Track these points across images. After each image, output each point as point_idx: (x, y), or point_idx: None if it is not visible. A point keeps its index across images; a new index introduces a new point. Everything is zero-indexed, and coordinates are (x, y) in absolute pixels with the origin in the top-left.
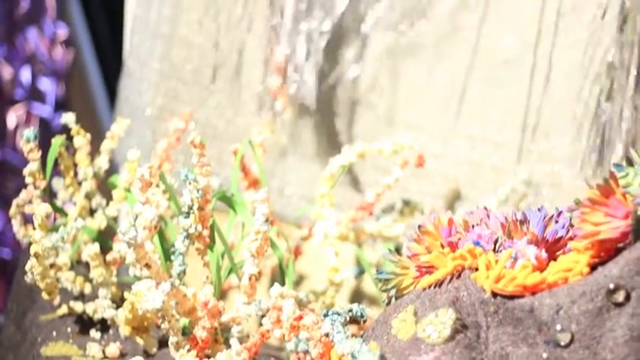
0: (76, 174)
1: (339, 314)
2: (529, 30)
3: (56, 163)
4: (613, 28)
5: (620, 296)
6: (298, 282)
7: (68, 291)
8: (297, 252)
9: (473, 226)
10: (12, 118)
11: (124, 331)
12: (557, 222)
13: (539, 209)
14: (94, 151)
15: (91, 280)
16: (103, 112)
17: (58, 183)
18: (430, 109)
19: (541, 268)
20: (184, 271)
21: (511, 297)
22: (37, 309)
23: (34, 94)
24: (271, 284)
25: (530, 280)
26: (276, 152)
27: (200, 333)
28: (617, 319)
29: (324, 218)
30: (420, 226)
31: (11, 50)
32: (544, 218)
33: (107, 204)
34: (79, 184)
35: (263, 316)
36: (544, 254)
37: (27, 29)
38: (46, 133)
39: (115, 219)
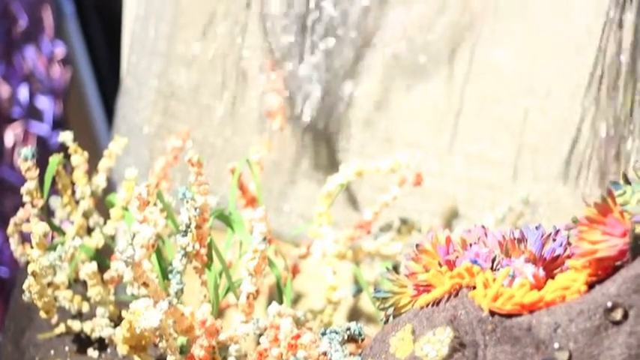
0: (73, 192)
1: (336, 333)
2: (525, 48)
3: (54, 182)
4: (610, 49)
5: (617, 314)
6: (296, 300)
7: (66, 310)
8: (294, 270)
9: (470, 245)
10: (9, 136)
11: (122, 349)
12: (554, 240)
13: (536, 227)
14: (92, 170)
15: (88, 299)
16: (100, 131)
17: (55, 201)
18: (427, 127)
19: (539, 286)
20: (182, 290)
21: (509, 315)
22: (35, 328)
23: (32, 113)
24: (269, 303)
25: (528, 298)
26: (273, 171)
27: (198, 352)
28: (614, 338)
29: (322, 237)
30: (417, 245)
31: (9, 68)
32: (542, 236)
33: (105, 222)
34: (77, 202)
35: (261, 334)
36: (542, 272)
37: (25, 47)
38: (43, 151)
39: (113, 237)
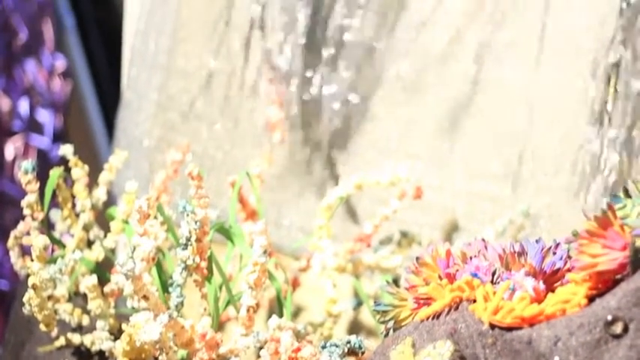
0: (74, 206)
1: (337, 346)
2: (527, 60)
3: (54, 195)
4: (610, 65)
5: (618, 328)
6: (296, 313)
7: (66, 323)
8: (295, 283)
9: (471, 258)
10: (10, 149)
11: None
12: (554, 254)
13: (536, 241)
14: (92, 183)
15: (88, 312)
16: (101, 144)
17: (55, 214)
18: (427, 140)
19: (539, 299)
20: (182, 303)
21: (509, 329)
22: (35, 341)
23: (32, 126)
24: (269, 316)
25: (528, 311)
26: (273, 184)
27: None
28: (615, 351)
29: (322, 250)
30: (417, 258)
31: (9, 82)
32: (542, 250)
33: (105, 236)
34: (77, 215)
35: (261, 347)
36: (542, 286)
37: (25, 61)
38: (44, 164)
39: (113, 251)
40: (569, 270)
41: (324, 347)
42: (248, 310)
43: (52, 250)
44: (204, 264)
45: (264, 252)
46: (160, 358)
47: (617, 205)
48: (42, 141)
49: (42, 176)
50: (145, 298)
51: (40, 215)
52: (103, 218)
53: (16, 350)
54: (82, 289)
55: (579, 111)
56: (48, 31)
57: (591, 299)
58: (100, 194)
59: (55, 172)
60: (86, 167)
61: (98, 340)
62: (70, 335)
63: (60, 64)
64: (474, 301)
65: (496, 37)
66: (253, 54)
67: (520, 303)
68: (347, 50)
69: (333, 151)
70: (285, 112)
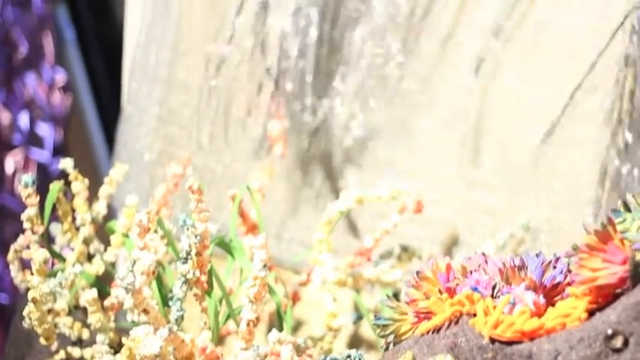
0: (74, 219)
1: None
2: (531, 77)
3: (54, 209)
4: (618, 85)
5: (618, 342)
6: (296, 327)
7: (66, 336)
8: (295, 297)
9: (471, 272)
10: (10, 163)
11: None
12: (555, 268)
13: (537, 255)
14: (92, 197)
15: (88, 326)
16: (101, 158)
17: (56, 228)
18: (428, 154)
19: (539, 313)
20: (182, 317)
21: (509, 343)
22: (35, 354)
23: (33, 139)
24: (269, 330)
25: (529, 325)
26: (274, 197)
27: None
28: None
29: (322, 264)
30: (418, 272)
31: (9, 95)
32: (542, 264)
33: (105, 249)
34: (77, 229)
35: None
36: (542, 300)
37: (25, 74)
38: (44, 178)
39: (113, 264)
40: (569, 284)
41: None
42: (248, 324)
43: (52, 264)
44: (204, 278)
45: (265, 266)
46: None
47: (617, 219)
48: (42, 154)
49: (42, 190)
50: (145, 311)
51: (40, 229)
52: (103, 232)
53: None
54: (82, 302)
55: (582, 126)
56: (48, 44)
57: (591, 313)
58: (100, 208)
59: (55, 186)
60: (86, 181)
61: (98, 353)
62: (70, 349)
63: (60, 77)
64: (474, 315)
65: (501, 55)
66: (254, 68)
67: (520, 317)
68: (349, 69)
69: (335, 165)
70: (286, 126)
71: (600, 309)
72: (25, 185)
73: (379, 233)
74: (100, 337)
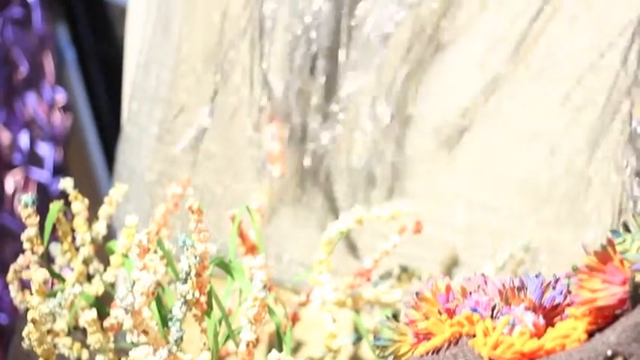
0: (73, 239)
1: None
2: (532, 98)
3: (54, 229)
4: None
5: None
6: (296, 348)
7: (65, 357)
8: (294, 318)
9: (470, 293)
10: (10, 182)
11: None
12: (554, 288)
13: (536, 275)
14: (92, 217)
15: (88, 346)
16: (101, 178)
17: (55, 248)
18: (427, 174)
19: (539, 334)
20: (182, 338)
21: None
22: None
23: (33, 159)
24: (269, 351)
25: (528, 346)
26: (273, 218)
27: None
28: None
29: (322, 284)
30: (417, 293)
31: (10, 115)
32: (541, 285)
33: (105, 270)
34: (77, 249)
35: None
36: (542, 321)
37: (26, 94)
38: (44, 198)
39: (113, 285)
40: (568, 305)
41: None
42: (247, 345)
43: (52, 284)
44: (203, 298)
45: (264, 287)
46: None
47: (617, 239)
48: (42, 174)
49: (42, 210)
50: (145, 332)
51: (40, 249)
52: (102, 252)
53: None
54: (82, 323)
55: (583, 150)
56: (48, 64)
57: (591, 334)
58: (100, 228)
59: (55, 206)
60: (86, 201)
61: None
62: None
63: (60, 97)
64: (474, 336)
65: (503, 78)
66: (255, 89)
67: (520, 338)
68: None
69: (334, 185)
70: (286, 147)
71: (600, 330)
72: (24, 205)
73: (379, 254)
74: (99, 358)
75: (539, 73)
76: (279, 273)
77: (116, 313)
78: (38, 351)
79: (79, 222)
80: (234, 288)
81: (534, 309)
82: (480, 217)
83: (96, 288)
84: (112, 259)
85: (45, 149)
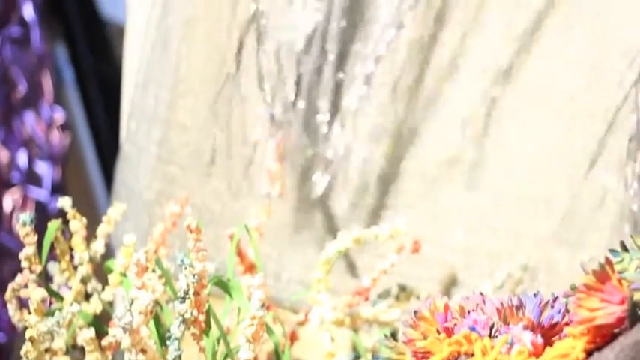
0: (72, 258)
1: None
2: (530, 123)
3: (52, 247)
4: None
5: None
6: None
7: None
8: (293, 337)
9: (469, 312)
10: (8, 201)
11: None
12: (552, 307)
13: (534, 294)
14: (91, 236)
15: None
16: (99, 197)
17: (53, 267)
18: (426, 195)
19: (537, 353)
20: (180, 356)
21: None
22: None
23: (31, 178)
24: None
25: None
26: (272, 237)
27: None
28: None
29: (320, 303)
30: (415, 312)
31: (8, 134)
32: (540, 303)
33: (103, 288)
34: (75, 268)
35: None
36: (540, 339)
37: (24, 113)
38: (42, 216)
39: (111, 303)
40: (567, 324)
41: None
42: None
43: (50, 303)
44: (202, 317)
45: (262, 305)
46: None
47: (615, 258)
48: (40, 193)
49: (40, 228)
50: (143, 351)
51: (38, 268)
52: (101, 271)
53: None
54: (80, 341)
55: (580, 172)
56: (47, 83)
57: (589, 353)
58: (99, 247)
59: (54, 225)
60: (84, 220)
61: None
62: None
63: (59, 116)
64: (472, 354)
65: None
66: (253, 108)
67: (518, 357)
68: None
69: (332, 203)
70: (285, 165)
71: (598, 349)
72: (23, 224)
73: (377, 273)
74: None
75: (533, 91)
76: (278, 291)
77: (114, 332)
78: None
79: (78, 241)
80: (233, 307)
81: (533, 328)
82: (478, 236)
83: (94, 306)
84: (111, 277)
85: (43, 168)
